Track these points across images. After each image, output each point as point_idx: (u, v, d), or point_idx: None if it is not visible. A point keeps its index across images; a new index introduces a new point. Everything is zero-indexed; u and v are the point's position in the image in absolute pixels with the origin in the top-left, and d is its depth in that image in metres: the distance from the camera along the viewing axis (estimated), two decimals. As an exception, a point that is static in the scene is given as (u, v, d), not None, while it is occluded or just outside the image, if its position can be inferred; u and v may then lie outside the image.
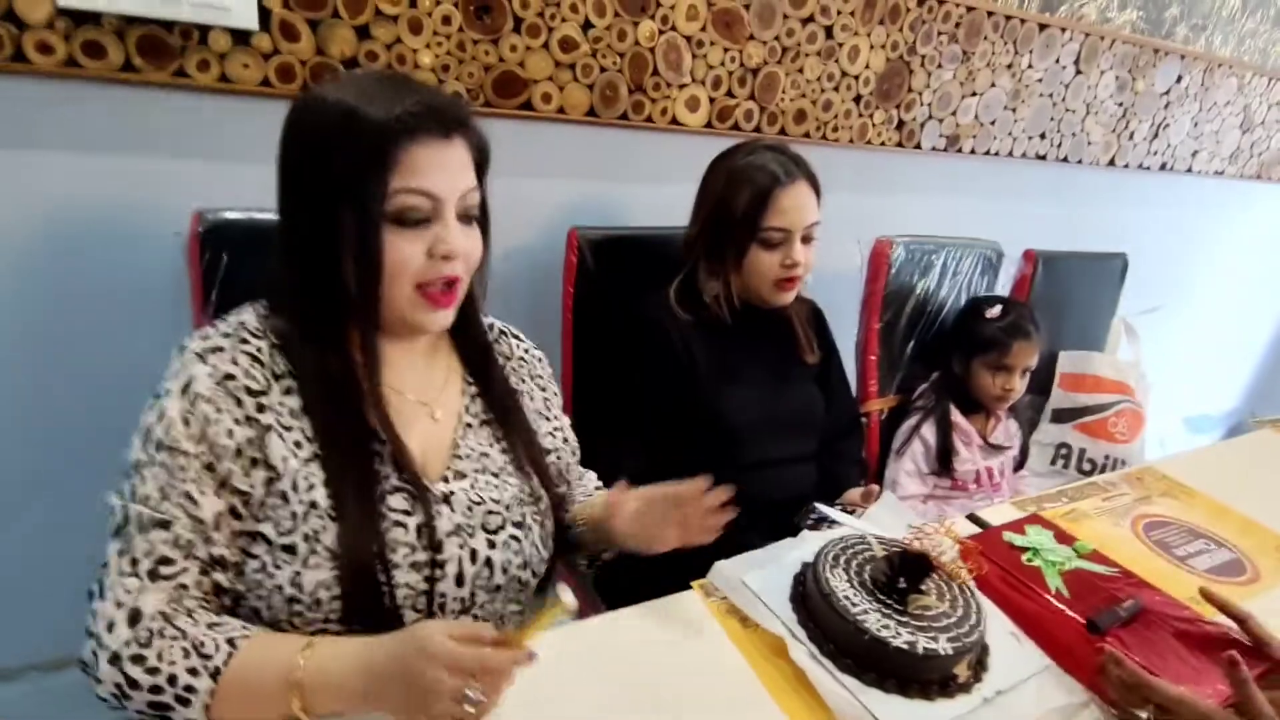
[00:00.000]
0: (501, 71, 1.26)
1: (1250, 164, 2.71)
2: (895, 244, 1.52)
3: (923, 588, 0.80)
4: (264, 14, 1.06)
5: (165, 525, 0.62)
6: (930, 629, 0.75)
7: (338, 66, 1.13)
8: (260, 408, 0.67)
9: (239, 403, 0.66)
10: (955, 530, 0.87)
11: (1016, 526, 1.05)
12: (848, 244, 1.53)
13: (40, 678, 1.26)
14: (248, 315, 0.71)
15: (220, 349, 0.67)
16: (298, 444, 0.67)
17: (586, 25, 1.31)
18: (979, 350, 1.52)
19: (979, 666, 0.77)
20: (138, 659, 0.59)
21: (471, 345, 0.83)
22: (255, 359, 0.68)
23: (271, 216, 0.72)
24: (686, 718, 0.70)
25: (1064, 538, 1.02)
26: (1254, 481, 1.35)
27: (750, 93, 1.54)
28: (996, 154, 2.00)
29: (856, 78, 1.67)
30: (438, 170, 0.67)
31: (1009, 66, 1.89)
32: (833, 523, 0.97)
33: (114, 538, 0.63)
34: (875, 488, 1.17)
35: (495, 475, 0.79)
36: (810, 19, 1.54)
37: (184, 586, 0.63)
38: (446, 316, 0.73)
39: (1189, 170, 2.51)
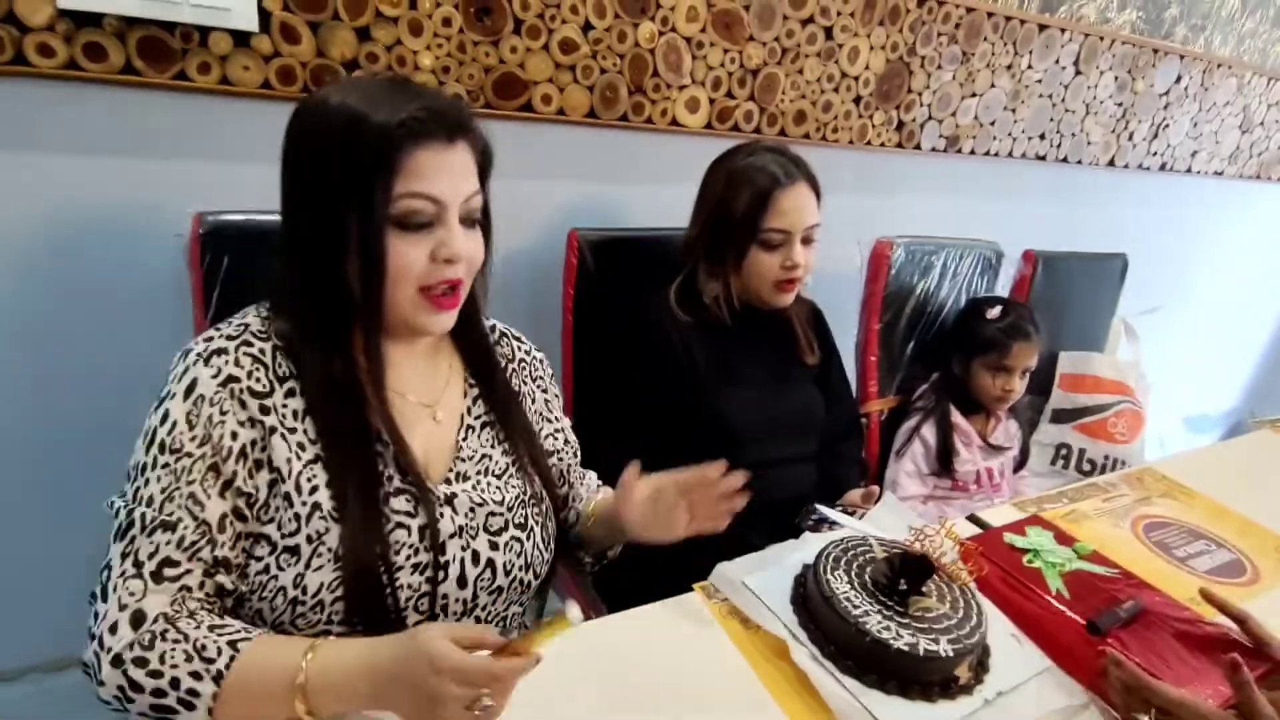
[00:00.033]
0: (502, 73, 1.26)
1: (1250, 164, 2.72)
2: (895, 245, 1.53)
3: (924, 589, 0.80)
4: (264, 16, 1.06)
5: (170, 527, 0.62)
6: (931, 630, 0.75)
7: (338, 68, 1.13)
8: (264, 410, 0.67)
9: (243, 405, 0.66)
10: (956, 532, 0.87)
11: (1017, 528, 1.05)
12: (848, 245, 1.53)
13: (41, 679, 1.26)
14: (251, 318, 0.72)
15: (224, 351, 0.67)
16: (301, 446, 0.68)
17: (586, 27, 1.31)
18: (979, 351, 1.52)
19: (980, 668, 0.77)
20: (140, 661, 0.59)
21: (473, 347, 0.83)
22: (258, 361, 0.68)
23: (272, 218, 0.73)
24: (688, 719, 0.70)
25: (1064, 539, 1.03)
26: (1253, 482, 1.35)
27: (750, 94, 1.54)
28: (996, 154, 2.00)
29: (856, 79, 1.67)
30: (441, 174, 0.67)
31: (1009, 67, 1.90)
32: (833, 524, 0.97)
33: (117, 540, 0.63)
34: (875, 489, 1.17)
35: (497, 477, 0.79)
36: (810, 20, 1.54)
37: (187, 588, 0.63)
38: (449, 319, 0.73)
39: (1188, 170, 2.52)
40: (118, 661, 0.59)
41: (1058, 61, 1.98)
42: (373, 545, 0.67)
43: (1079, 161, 2.19)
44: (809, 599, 0.82)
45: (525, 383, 0.88)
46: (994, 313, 1.52)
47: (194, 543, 0.63)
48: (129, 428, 0.68)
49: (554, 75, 1.31)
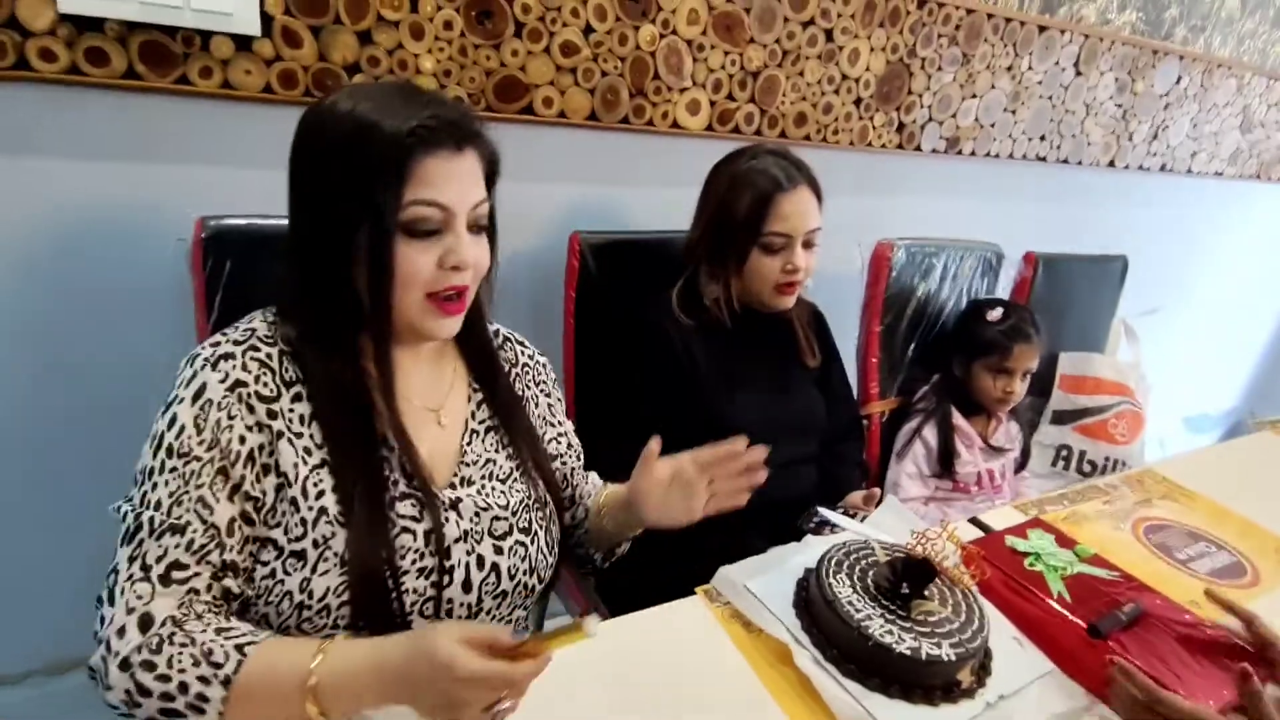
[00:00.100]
0: (503, 76, 1.27)
1: (1250, 164, 2.72)
2: (896, 246, 1.53)
3: (926, 593, 0.80)
4: (266, 20, 1.06)
5: (179, 530, 0.62)
6: (933, 634, 0.76)
7: (340, 72, 1.14)
8: (271, 414, 0.67)
9: (250, 409, 0.66)
10: (958, 535, 0.87)
11: (1018, 531, 1.05)
12: (848, 247, 1.53)
13: (43, 682, 1.27)
14: (257, 322, 0.72)
15: (231, 356, 0.68)
16: (307, 450, 0.68)
17: (587, 30, 1.31)
18: (980, 353, 1.52)
19: (982, 671, 0.78)
20: (148, 665, 0.59)
21: (477, 352, 0.83)
22: (265, 366, 0.68)
23: (275, 223, 0.73)
24: (691, 723, 0.71)
25: (1065, 541, 1.03)
26: (1254, 484, 1.35)
27: (751, 96, 1.54)
28: (996, 156, 2.01)
29: (857, 80, 1.67)
30: (450, 182, 0.67)
31: (1009, 68, 1.90)
32: (835, 526, 0.97)
33: (124, 544, 0.63)
34: (876, 490, 1.17)
35: (501, 481, 0.79)
36: (810, 22, 1.54)
37: (195, 591, 0.63)
38: (455, 324, 0.73)
39: (1188, 171, 2.52)
40: (125, 665, 0.59)
41: (1058, 63, 1.98)
42: (378, 550, 0.67)
43: (1079, 163, 2.19)
44: (811, 602, 0.82)
45: (529, 387, 0.89)
46: (995, 315, 1.52)
47: (203, 546, 0.63)
48: (131, 430, 0.68)
49: (555, 78, 1.31)
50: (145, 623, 0.60)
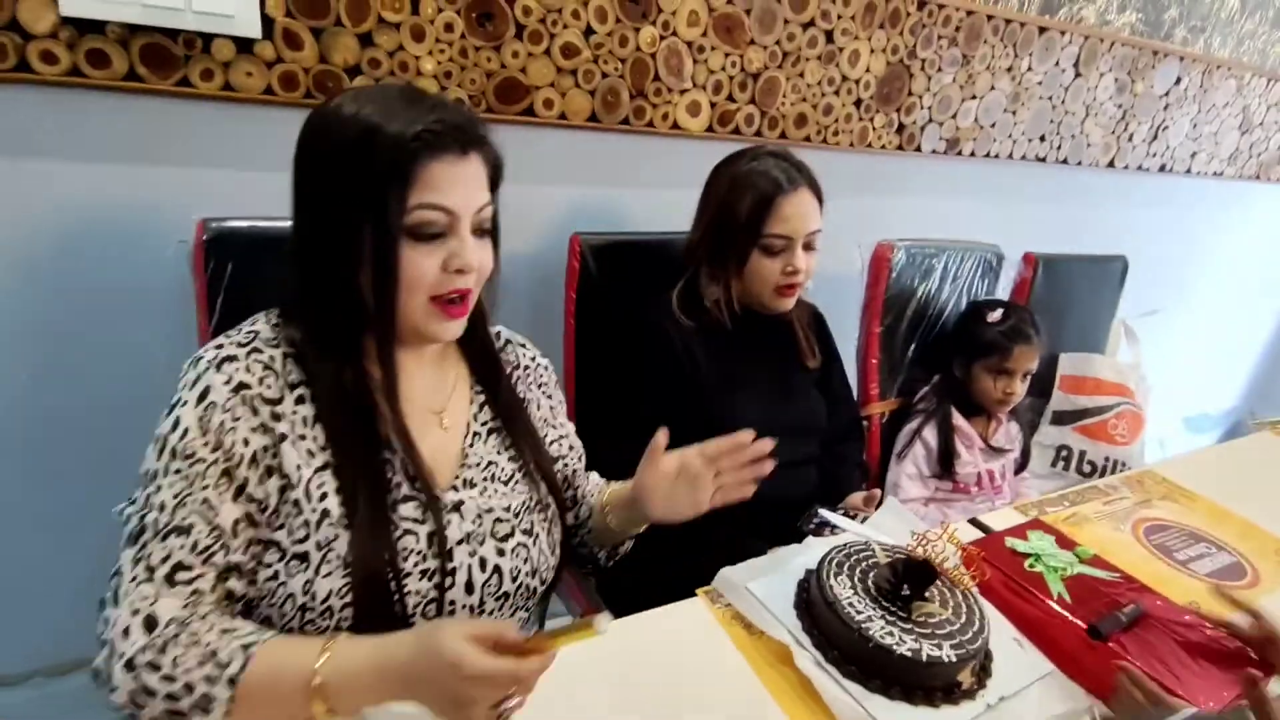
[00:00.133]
0: (503, 78, 1.27)
1: (1249, 165, 2.72)
2: (896, 247, 1.53)
3: (926, 595, 0.80)
4: (267, 22, 1.06)
5: (183, 531, 0.63)
6: (934, 636, 0.76)
7: (340, 74, 1.14)
8: (275, 416, 0.67)
9: (254, 411, 0.67)
10: (958, 536, 0.87)
11: (1018, 532, 1.05)
12: (848, 248, 1.53)
13: (44, 683, 1.27)
14: (260, 324, 0.72)
15: (235, 358, 0.68)
16: (310, 453, 0.68)
17: (588, 31, 1.31)
18: (980, 354, 1.52)
19: (983, 673, 0.78)
20: (153, 666, 0.59)
21: (479, 354, 0.84)
22: (269, 368, 0.69)
23: (276, 224, 0.73)
24: (692, 724, 0.71)
25: (1065, 543, 1.03)
26: (1254, 484, 1.36)
27: (751, 97, 1.54)
28: (996, 157, 2.01)
29: (857, 82, 1.67)
30: (455, 186, 0.67)
31: (1009, 69, 1.90)
32: (834, 527, 0.97)
33: (128, 546, 0.63)
34: (876, 491, 1.17)
35: (504, 483, 0.79)
36: (811, 23, 1.55)
37: (199, 592, 0.63)
38: (459, 326, 0.73)
39: (1188, 172, 2.52)
40: (130, 666, 0.59)
41: (1057, 64, 1.98)
42: (381, 552, 0.67)
43: (1079, 163, 2.20)
44: (812, 604, 0.82)
45: (530, 389, 0.89)
46: (995, 315, 1.52)
47: (207, 547, 0.63)
48: (131, 431, 0.69)
49: (555, 80, 1.31)
50: (150, 624, 0.60)
